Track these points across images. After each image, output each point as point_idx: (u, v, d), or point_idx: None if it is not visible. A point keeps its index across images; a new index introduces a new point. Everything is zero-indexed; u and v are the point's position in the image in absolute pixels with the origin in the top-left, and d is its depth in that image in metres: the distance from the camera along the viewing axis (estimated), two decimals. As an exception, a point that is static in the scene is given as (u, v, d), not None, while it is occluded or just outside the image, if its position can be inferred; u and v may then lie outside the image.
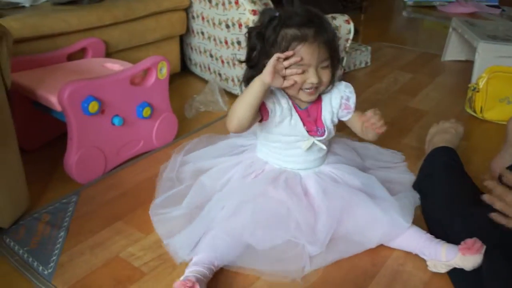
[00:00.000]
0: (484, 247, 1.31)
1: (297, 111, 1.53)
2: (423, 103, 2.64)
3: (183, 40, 2.91)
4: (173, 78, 2.68)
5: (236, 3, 2.38)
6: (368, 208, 1.49)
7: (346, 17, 2.73)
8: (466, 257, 1.32)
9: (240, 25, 2.41)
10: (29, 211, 1.67)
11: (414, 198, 1.65)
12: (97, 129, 1.80)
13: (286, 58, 1.40)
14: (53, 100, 1.71)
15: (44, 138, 2.09)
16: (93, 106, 1.73)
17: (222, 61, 2.63)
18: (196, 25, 2.73)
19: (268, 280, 1.39)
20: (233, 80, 2.60)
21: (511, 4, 4.91)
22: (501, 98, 2.38)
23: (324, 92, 1.56)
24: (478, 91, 2.41)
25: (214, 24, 2.58)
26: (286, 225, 1.47)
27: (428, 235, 1.46)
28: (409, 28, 4.62)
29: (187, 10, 2.74)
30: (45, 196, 1.77)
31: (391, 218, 1.46)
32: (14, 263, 1.45)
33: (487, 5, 4.91)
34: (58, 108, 1.71)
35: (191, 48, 2.89)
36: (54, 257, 1.46)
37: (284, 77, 1.43)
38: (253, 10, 2.33)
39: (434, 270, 1.42)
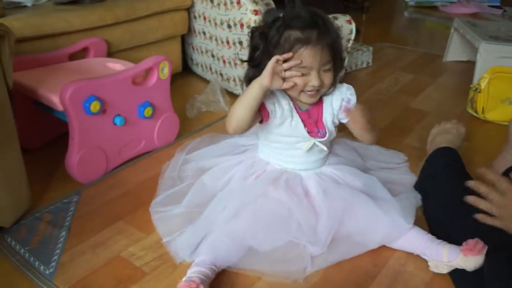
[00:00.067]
0: (486, 247, 1.31)
1: (298, 113, 1.53)
2: (425, 104, 2.64)
3: (185, 40, 2.91)
4: (175, 78, 2.68)
5: (238, 3, 2.38)
6: (369, 209, 1.49)
7: (348, 17, 2.73)
8: (468, 257, 1.32)
9: (241, 25, 2.40)
10: (31, 210, 1.67)
11: (415, 198, 1.64)
12: (98, 129, 1.80)
13: (285, 60, 1.39)
14: (55, 100, 1.71)
15: (45, 137, 2.09)
16: (95, 106, 1.73)
17: (224, 61, 2.63)
18: (198, 25, 2.73)
19: (269, 280, 1.39)
20: (234, 80, 2.60)
21: (513, 5, 4.91)
22: (503, 98, 2.38)
23: (325, 94, 1.56)
24: (479, 92, 2.41)
25: (215, 24, 2.58)
26: (287, 225, 1.47)
27: (430, 235, 1.46)
28: (410, 28, 4.62)
29: (189, 10, 2.74)
30: (46, 196, 1.77)
31: (393, 219, 1.46)
32: (15, 263, 1.45)
33: (488, 6, 4.90)
34: (59, 107, 1.71)
35: (193, 48, 2.89)
36: (55, 257, 1.46)
37: (284, 79, 1.42)
38: (255, 10, 2.33)
39: (435, 270, 1.42)
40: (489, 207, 1.21)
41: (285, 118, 1.51)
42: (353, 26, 2.72)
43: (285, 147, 1.57)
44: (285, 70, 1.41)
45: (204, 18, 2.65)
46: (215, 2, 2.53)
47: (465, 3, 4.94)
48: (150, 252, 1.49)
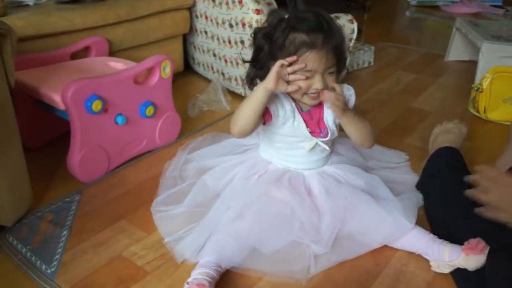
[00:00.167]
0: (488, 247, 1.31)
1: (300, 113, 1.52)
2: (427, 103, 2.64)
3: (187, 39, 2.91)
4: (176, 77, 2.68)
5: (240, 2, 2.38)
6: (371, 208, 1.49)
7: (349, 16, 2.73)
8: (470, 257, 1.32)
9: (243, 25, 2.40)
10: (32, 209, 1.67)
11: (417, 198, 1.64)
12: (100, 128, 1.80)
13: (290, 64, 1.39)
14: (57, 99, 1.71)
15: (47, 136, 2.10)
16: (97, 105, 1.73)
17: (225, 60, 2.63)
18: (200, 24, 2.73)
19: (271, 280, 1.39)
20: (236, 80, 2.60)
21: (515, 5, 4.91)
22: (505, 98, 2.38)
23: None
24: (481, 92, 2.41)
25: (217, 23, 2.57)
26: (290, 225, 1.47)
27: (431, 235, 1.46)
28: (412, 28, 4.62)
29: (191, 9, 2.74)
30: (48, 195, 1.77)
31: (395, 219, 1.46)
32: (17, 262, 1.45)
33: (491, 5, 4.90)
34: (61, 106, 1.71)
35: (194, 47, 2.89)
36: (57, 256, 1.46)
37: (288, 82, 1.42)
38: (256, 10, 2.33)
39: (437, 270, 1.42)
40: (491, 199, 1.20)
41: (287, 119, 1.51)
42: (355, 25, 2.72)
43: (287, 147, 1.57)
44: (289, 74, 1.40)
45: (206, 17, 2.65)
46: (217, 2, 2.53)
47: (467, 2, 4.94)
48: (152, 252, 1.49)
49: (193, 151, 1.88)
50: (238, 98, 2.62)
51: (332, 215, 1.48)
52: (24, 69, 1.92)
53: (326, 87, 1.44)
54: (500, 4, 4.97)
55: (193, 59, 2.95)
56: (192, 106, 2.47)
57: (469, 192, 1.23)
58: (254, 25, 2.34)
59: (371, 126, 1.56)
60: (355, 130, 1.53)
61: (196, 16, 2.73)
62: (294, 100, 1.52)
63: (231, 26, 2.48)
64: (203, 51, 2.80)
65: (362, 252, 1.48)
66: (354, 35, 2.74)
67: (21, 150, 1.60)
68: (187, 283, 1.27)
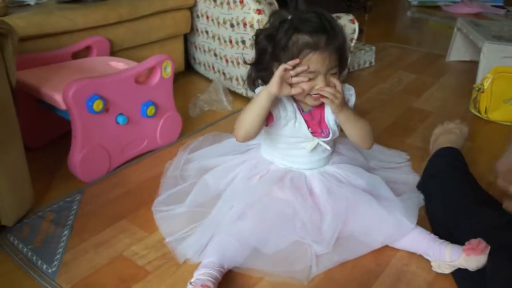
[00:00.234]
0: (489, 247, 1.30)
1: (301, 114, 1.52)
2: (428, 104, 2.64)
3: (188, 39, 2.91)
4: (177, 77, 2.68)
5: (241, 2, 2.38)
6: (373, 208, 1.49)
7: (350, 16, 2.73)
8: (470, 257, 1.32)
9: (244, 24, 2.40)
10: (33, 209, 1.67)
11: (418, 198, 1.65)
12: (101, 128, 1.80)
13: (293, 67, 1.39)
14: (58, 99, 1.71)
15: (48, 136, 2.10)
16: (98, 105, 1.73)
17: (227, 60, 2.63)
18: (201, 24, 2.73)
19: (272, 280, 1.39)
20: (237, 79, 2.60)
21: (516, 5, 4.91)
22: (506, 98, 2.38)
23: None
24: (482, 92, 2.41)
25: (218, 23, 2.58)
26: (292, 225, 1.47)
27: (432, 235, 1.46)
28: (413, 28, 4.62)
29: (192, 9, 2.74)
30: (49, 195, 1.77)
31: (396, 219, 1.46)
32: (18, 262, 1.45)
33: (492, 6, 4.90)
34: (62, 106, 1.71)
35: (195, 47, 2.89)
36: (58, 256, 1.46)
37: (291, 85, 1.42)
38: (258, 10, 2.33)
39: (438, 270, 1.42)
40: None
41: (289, 120, 1.51)
42: (356, 25, 2.72)
43: (289, 147, 1.57)
44: (292, 76, 1.41)
45: (207, 17, 2.65)
46: (218, 1, 2.53)
47: (468, 3, 4.93)
48: (153, 251, 1.49)
49: (194, 151, 1.88)
50: (239, 98, 2.62)
51: (334, 215, 1.48)
52: (26, 69, 1.92)
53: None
54: (501, 4, 4.96)
55: (194, 59, 2.96)
56: (193, 106, 2.47)
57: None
58: (255, 25, 2.34)
59: (370, 127, 1.55)
60: (354, 129, 1.53)
61: (197, 16, 2.74)
62: (295, 100, 1.52)
63: (232, 26, 2.48)
64: (204, 51, 2.80)
65: (364, 252, 1.48)
66: (355, 35, 2.74)
67: (22, 149, 1.60)
68: (190, 283, 1.27)
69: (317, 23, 1.40)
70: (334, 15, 1.51)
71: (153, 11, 2.49)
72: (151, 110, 1.94)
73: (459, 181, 1.65)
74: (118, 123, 1.85)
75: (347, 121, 1.50)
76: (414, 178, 1.80)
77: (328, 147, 1.57)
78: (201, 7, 2.67)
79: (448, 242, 1.42)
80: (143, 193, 1.77)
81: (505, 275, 1.24)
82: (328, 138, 1.55)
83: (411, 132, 2.29)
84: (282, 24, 1.43)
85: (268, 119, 1.48)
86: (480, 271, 1.31)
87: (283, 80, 1.39)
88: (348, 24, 2.69)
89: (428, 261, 1.44)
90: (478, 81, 2.53)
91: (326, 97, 1.41)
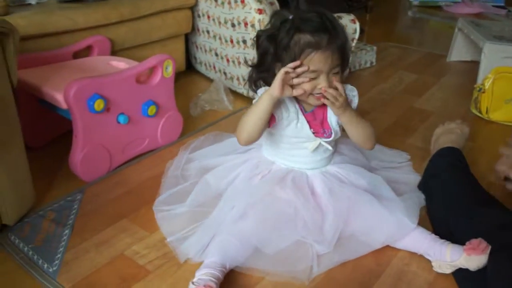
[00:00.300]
0: (489, 247, 1.30)
1: (303, 114, 1.52)
2: (429, 104, 2.64)
3: (189, 38, 2.91)
4: (178, 76, 2.68)
5: (242, 2, 2.38)
6: (374, 208, 1.49)
7: (352, 16, 2.74)
8: (471, 257, 1.32)
9: (246, 24, 2.40)
10: (34, 208, 1.67)
11: (419, 198, 1.65)
12: (102, 127, 1.80)
13: (293, 68, 1.39)
14: (59, 98, 1.71)
15: (49, 135, 2.10)
16: (99, 104, 1.73)
17: (228, 60, 2.63)
18: (202, 23, 2.73)
19: (273, 280, 1.39)
20: (238, 79, 2.60)
21: (517, 5, 4.91)
22: (507, 99, 2.38)
23: None
24: (483, 92, 2.40)
25: (219, 22, 2.58)
26: (293, 224, 1.47)
27: (433, 235, 1.46)
28: (414, 28, 4.62)
29: (193, 8, 2.74)
30: (50, 194, 1.77)
31: (397, 219, 1.46)
32: (19, 261, 1.46)
33: (493, 6, 4.89)
34: (64, 106, 1.72)
35: (197, 47, 2.89)
36: (59, 255, 1.47)
37: (293, 86, 1.42)
38: (259, 9, 2.33)
39: (439, 270, 1.41)
40: None
41: (291, 120, 1.51)
42: (357, 25, 2.72)
43: (291, 147, 1.57)
44: (293, 78, 1.41)
45: (208, 17, 2.65)
46: (219, 1, 2.53)
47: (469, 3, 4.93)
48: (154, 251, 1.49)
49: (195, 150, 1.88)
50: (240, 97, 2.62)
51: (335, 215, 1.48)
52: (27, 68, 1.92)
53: (331, 87, 1.44)
54: (502, 4, 4.96)
55: (195, 58, 2.96)
56: (194, 106, 2.47)
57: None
58: (257, 24, 2.34)
59: (372, 128, 1.55)
60: (356, 130, 1.53)
61: (198, 16, 2.74)
62: (297, 101, 1.52)
63: (233, 25, 2.48)
64: (205, 50, 2.80)
65: (365, 252, 1.48)
66: (356, 35, 2.74)
67: (23, 149, 1.60)
68: (193, 283, 1.27)
69: (319, 22, 1.40)
70: (335, 15, 1.51)
71: (154, 10, 2.49)
72: (152, 110, 1.94)
73: (460, 181, 1.65)
74: (119, 122, 1.85)
75: (350, 122, 1.50)
76: (415, 178, 1.80)
77: (330, 147, 1.57)
78: (202, 6, 2.68)
79: (449, 242, 1.42)
80: (144, 192, 1.77)
81: (506, 275, 1.24)
82: (330, 139, 1.55)
83: (412, 132, 2.29)
84: (283, 24, 1.43)
85: (270, 121, 1.48)
86: (481, 271, 1.31)
87: (284, 83, 1.39)
88: (349, 24, 2.69)
89: (429, 261, 1.44)
90: (479, 81, 2.52)
91: (327, 99, 1.41)
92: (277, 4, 2.45)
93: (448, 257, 1.38)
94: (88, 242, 1.53)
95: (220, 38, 2.63)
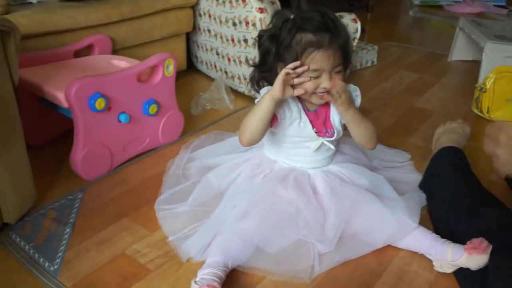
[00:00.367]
0: (491, 247, 1.30)
1: (306, 114, 1.52)
2: (430, 103, 2.63)
3: (190, 37, 2.91)
4: (179, 75, 2.67)
5: (243, 1, 2.38)
6: (375, 208, 1.49)
7: (353, 16, 2.74)
8: (472, 256, 1.31)
9: (247, 23, 2.40)
10: (35, 207, 1.67)
11: (420, 198, 1.65)
12: (103, 126, 1.80)
13: (294, 68, 1.39)
14: (60, 97, 1.71)
15: (50, 134, 2.10)
16: (100, 103, 1.73)
17: (229, 59, 2.63)
18: (203, 22, 2.73)
19: (275, 279, 1.39)
20: (239, 78, 2.60)
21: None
22: (508, 98, 2.38)
23: None
24: (485, 91, 2.40)
25: (221, 21, 2.57)
26: (295, 224, 1.47)
27: (434, 235, 1.46)
28: (415, 27, 4.62)
29: (194, 7, 2.74)
30: (51, 192, 1.77)
31: (399, 218, 1.46)
32: (20, 259, 1.46)
33: (494, 5, 4.90)
34: (65, 104, 1.72)
35: (198, 46, 2.89)
36: (60, 254, 1.47)
37: (294, 86, 1.42)
38: (260, 8, 2.33)
39: (440, 270, 1.41)
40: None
41: (294, 120, 1.51)
42: (358, 25, 2.72)
43: (293, 146, 1.57)
44: (294, 78, 1.41)
45: (209, 16, 2.65)
46: (220, 0, 2.53)
47: (470, 2, 4.93)
48: (155, 250, 1.49)
49: (196, 149, 1.88)
50: (241, 96, 2.62)
51: (337, 214, 1.48)
52: (28, 67, 1.92)
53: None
54: (503, 4, 4.96)
55: (196, 57, 2.96)
56: (195, 105, 2.47)
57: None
58: (258, 23, 2.34)
59: (375, 128, 1.56)
60: (359, 128, 1.53)
61: (200, 15, 2.73)
62: (300, 100, 1.52)
63: (234, 24, 2.48)
64: (206, 49, 2.80)
65: (366, 251, 1.48)
66: (358, 35, 2.74)
67: (24, 147, 1.60)
68: (196, 283, 1.27)
69: (320, 21, 1.40)
70: (336, 14, 1.51)
71: (155, 9, 2.49)
72: (153, 109, 1.94)
73: (461, 180, 1.65)
74: (120, 121, 1.85)
75: (353, 120, 1.50)
76: (416, 178, 1.80)
77: (333, 147, 1.57)
78: (204, 5, 2.68)
79: (450, 241, 1.42)
80: (145, 191, 1.77)
81: (507, 275, 1.24)
82: (333, 138, 1.55)
83: (413, 131, 2.29)
84: (285, 23, 1.43)
85: (272, 120, 1.48)
86: (482, 271, 1.31)
87: (285, 83, 1.39)
88: (351, 24, 2.69)
89: (430, 261, 1.44)
90: (480, 80, 2.52)
91: (332, 95, 1.41)
92: (278, 3, 2.45)
93: (449, 256, 1.37)
94: (89, 241, 1.53)
95: (221, 37, 2.62)
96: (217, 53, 2.71)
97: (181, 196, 1.64)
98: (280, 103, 1.46)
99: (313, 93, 1.45)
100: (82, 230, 1.57)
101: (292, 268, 1.40)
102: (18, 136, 1.55)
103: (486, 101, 2.41)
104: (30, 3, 2.20)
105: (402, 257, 1.48)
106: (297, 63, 1.39)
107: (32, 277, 1.40)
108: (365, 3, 4.76)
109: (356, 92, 1.56)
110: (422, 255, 1.46)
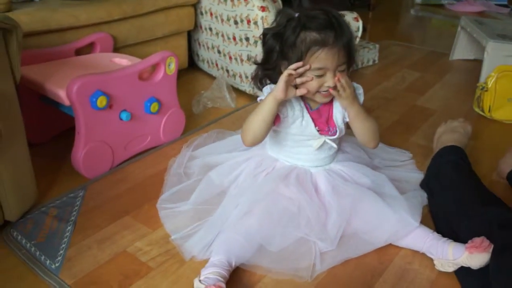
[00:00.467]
0: (492, 246, 1.30)
1: (308, 112, 1.52)
2: (431, 102, 2.63)
3: (191, 36, 2.91)
4: (181, 74, 2.68)
5: (245, -1, 2.39)
6: (377, 206, 1.49)
7: (355, 14, 2.73)
8: (473, 255, 1.32)
9: (248, 22, 2.40)
10: (37, 205, 1.67)
11: (421, 197, 1.65)
12: (105, 124, 1.80)
13: (295, 69, 1.39)
14: (62, 95, 1.71)
15: (52, 132, 2.10)
16: (101, 101, 1.73)
17: (230, 57, 2.62)
18: (204, 21, 2.73)
19: (276, 277, 1.39)
20: (240, 76, 2.60)
21: (520, 4, 4.90)
22: (510, 97, 2.37)
23: None
24: (486, 90, 2.40)
25: (222, 20, 2.57)
26: (297, 222, 1.47)
27: (435, 234, 1.46)
28: (417, 26, 4.61)
29: (196, 5, 2.74)
30: (52, 190, 1.77)
31: (400, 217, 1.46)
32: (21, 257, 1.46)
33: (496, 4, 4.90)
34: (66, 102, 1.72)
35: (199, 44, 2.89)
36: (61, 251, 1.47)
37: (296, 86, 1.42)
38: (261, 7, 2.33)
39: (441, 269, 1.41)
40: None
41: (296, 118, 1.51)
42: (360, 23, 2.72)
43: (295, 144, 1.57)
44: (296, 78, 1.41)
45: (211, 14, 2.65)
46: (222, -2, 2.53)
47: (472, 1, 4.93)
48: (156, 248, 1.49)
49: (197, 148, 1.89)
50: (243, 95, 2.62)
51: (339, 212, 1.48)
52: (29, 65, 1.92)
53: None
54: (505, 3, 4.96)
55: (198, 56, 2.96)
56: (197, 103, 2.47)
57: None
58: (259, 22, 2.34)
59: (377, 126, 1.56)
60: (363, 125, 1.53)
61: (201, 13, 2.73)
62: (303, 99, 1.52)
63: (236, 23, 2.48)
64: (208, 48, 2.80)
65: (367, 250, 1.48)
66: (359, 33, 2.74)
67: (26, 145, 1.60)
68: (200, 282, 1.27)
69: (325, 19, 1.40)
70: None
71: (157, 7, 2.49)
72: (154, 107, 1.94)
73: (462, 180, 1.65)
74: (121, 119, 1.85)
75: (357, 117, 1.50)
76: (417, 177, 1.80)
77: (335, 145, 1.56)
78: (205, 4, 2.67)
79: (451, 240, 1.42)
80: (146, 189, 1.77)
81: (509, 274, 1.24)
82: (335, 136, 1.55)
83: (415, 130, 2.29)
84: (289, 22, 1.43)
85: (275, 120, 1.48)
86: (483, 270, 1.31)
87: (288, 85, 1.39)
88: (352, 22, 2.69)
89: (431, 260, 1.44)
90: (482, 79, 2.52)
91: (337, 91, 1.41)
92: (279, 1, 2.45)
93: (450, 255, 1.37)
94: (90, 239, 1.53)
95: (222, 36, 2.62)
96: (219, 51, 2.71)
97: (183, 194, 1.64)
98: (282, 103, 1.46)
99: (317, 91, 1.45)
100: (83, 228, 1.57)
101: (293, 267, 1.40)
102: (20, 134, 1.55)
103: (488, 100, 2.41)
104: (32, 1, 2.20)
105: (403, 256, 1.48)
106: (299, 63, 1.39)
107: (33, 274, 1.40)
108: (367, 2, 4.77)
109: (359, 91, 1.56)
110: (423, 254, 1.46)
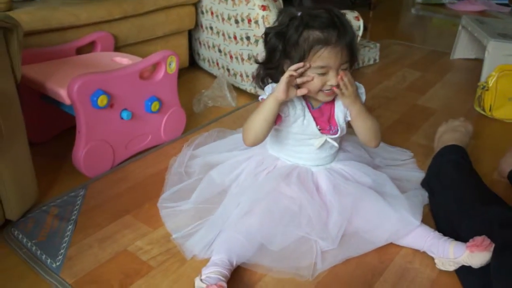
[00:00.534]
0: (493, 245, 1.30)
1: (310, 111, 1.52)
2: (432, 101, 2.63)
3: (192, 35, 2.91)
4: (182, 73, 2.68)
5: (246, -2, 2.38)
6: (378, 205, 1.49)
7: (355, 13, 2.73)
8: (474, 254, 1.32)
9: (249, 21, 2.40)
10: (38, 204, 1.67)
11: (422, 196, 1.65)
12: (105, 123, 1.80)
13: (296, 69, 1.39)
14: (63, 94, 1.71)
15: (52, 131, 2.10)
16: (102, 100, 1.73)
17: (231, 56, 2.62)
18: (205, 20, 2.73)
19: (277, 276, 1.39)
20: (241, 76, 2.60)
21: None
22: (511, 96, 2.37)
23: None
24: (487, 90, 2.40)
25: (223, 19, 2.57)
26: (298, 221, 1.47)
27: (436, 233, 1.46)
28: (418, 25, 4.61)
29: (196, 4, 2.73)
30: (53, 189, 1.77)
31: (401, 216, 1.46)
32: (22, 256, 1.46)
33: (496, 4, 4.90)
34: (67, 101, 1.71)
35: (200, 43, 2.89)
36: (62, 250, 1.47)
37: (298, 85, 1.42)
38: (262, 6, 2.33)
39: (442, 268, 1.41)
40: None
41: (297, 117, 1.51)
42: (361, 22, 2.71)
43: (296, 143, 1.57)
44: (296, 78, 1.41)
45: (212, 13, 2.65)
46: (223, -3, 2.53)
47: (472, 0, 4.93)
48: (157, 247, 1.49)
49: (198, 147, 1.89)
50: (244, 94, 2.62)
51: (340, 211, 1.48)
52: (30, 64, 1.92)
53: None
54: (506, 2, 4.96)
55: (199, 55, 2.95)
56: (197, 102, 2.47)
57: None
58: (260, 21, 2.34)
59: (379, 125, 1.56)
60: (364, 124, 1.52)
61: (202, 12, 2.73)
62: (304, 98, 1.52)
63: (236, 22, 2.48)
64: (209, 47, 2.80)
65: (368, 249, 1.48)
66: (360, 32, 2.74)
67: (27, 144, 1.60)
68: (202, 281, 1.27)
69: (327, 18, 1.40)
70: (339, 12, 1.50)
71: (158, 6, 2.49)
72: (155, 106, 1.94)
73: (463, 179, 1.65)
74: (122, 118, 1.85)
75: (359, 115, 1.50)
76: (418, 176, 1.80)
77: (336, 144, 1.57)
78: (206, 3, 2.67)
79: (452, 239, 1.42)
80: (147, 188, 1.77)
81: (510, 273, 1.24)
82: (337, 135, 1.55)
83: (416, 129, 2.29)
84: (292, 21, 1.43)
85: (276, 119, 1.48)
86: (484, 269, 1.31)
87: (289, 85, 1.39)
88: (353, 21, 2.69)
89: (432, 259, 1.44)
90: (483, 79, 2.52)
91: (340, 89, 1.42)
92: (280, 1, 2.44)
93: (451, 254, 1.37)
94: (91, 238, 1.53)
95: (223, 35, 2.62)
96: (219, 51, 2.71)
97: (184, 193, 1.65)
98: (284, 102, 1.46)
99: (320, 90, 1.45)
100: (84, 227, 1.57)
101: (294, 266, 1.40)
102: (21, 133, 1.55)
103: (489, 99, 2.41)
104: (33, 0, 2.20)
105: (404, 255, 1.48)
106: (300, 64, 1.39)
107: (34, 273, 1.40)
108: (368, 1, 4.77)
109: (361, 90, 1.56)
110: (424, 253, 1.46)
